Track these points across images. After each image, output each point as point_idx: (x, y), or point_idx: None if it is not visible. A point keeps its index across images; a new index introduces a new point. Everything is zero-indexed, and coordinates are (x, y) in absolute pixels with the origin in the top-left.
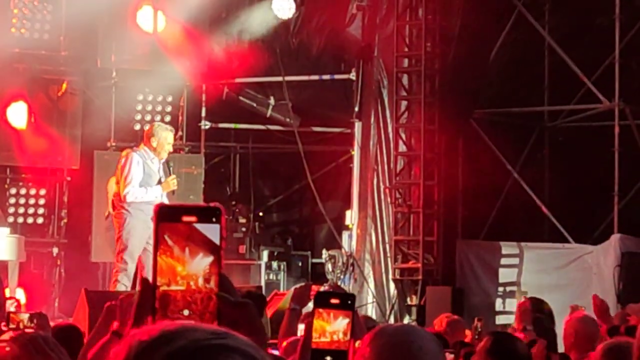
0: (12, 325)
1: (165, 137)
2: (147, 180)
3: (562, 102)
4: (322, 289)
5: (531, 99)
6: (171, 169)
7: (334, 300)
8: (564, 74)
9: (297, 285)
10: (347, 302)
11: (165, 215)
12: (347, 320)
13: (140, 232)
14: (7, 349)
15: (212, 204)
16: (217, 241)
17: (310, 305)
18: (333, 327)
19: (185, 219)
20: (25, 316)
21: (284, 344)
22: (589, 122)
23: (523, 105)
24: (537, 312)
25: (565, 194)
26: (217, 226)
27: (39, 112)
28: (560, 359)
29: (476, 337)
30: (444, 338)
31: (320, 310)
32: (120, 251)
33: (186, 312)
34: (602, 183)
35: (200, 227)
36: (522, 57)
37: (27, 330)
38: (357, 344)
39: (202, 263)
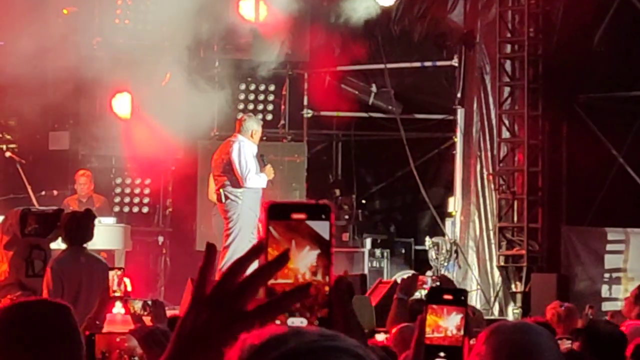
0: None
1: (258, 130)
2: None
3: None
4: (427, 276)
5: (636, 82)
6: (264, 160)
7: (446, 297)
8: None
9: (405, 276)
10: (460, 298)
11: (275, 213)
12: (460, 316)
13: (247, 222)
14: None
15: (321, 202)
16: (326, 237)
17: (417, 294)
18: (446, 323)
19: (295, 216)
20: (138, 303)
21: (394, 330)
22: None
23: (627, 89)
24: None
25: None
26: (327, 223)
27: (143, 102)
28: None
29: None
30: (552, 328)
31: (434, 306)
32: (227, 244)
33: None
34: None
35: (309, 224)
36: (626, 40)
37: (144, 318)
38: (472, 341)
39: (309, 256)
